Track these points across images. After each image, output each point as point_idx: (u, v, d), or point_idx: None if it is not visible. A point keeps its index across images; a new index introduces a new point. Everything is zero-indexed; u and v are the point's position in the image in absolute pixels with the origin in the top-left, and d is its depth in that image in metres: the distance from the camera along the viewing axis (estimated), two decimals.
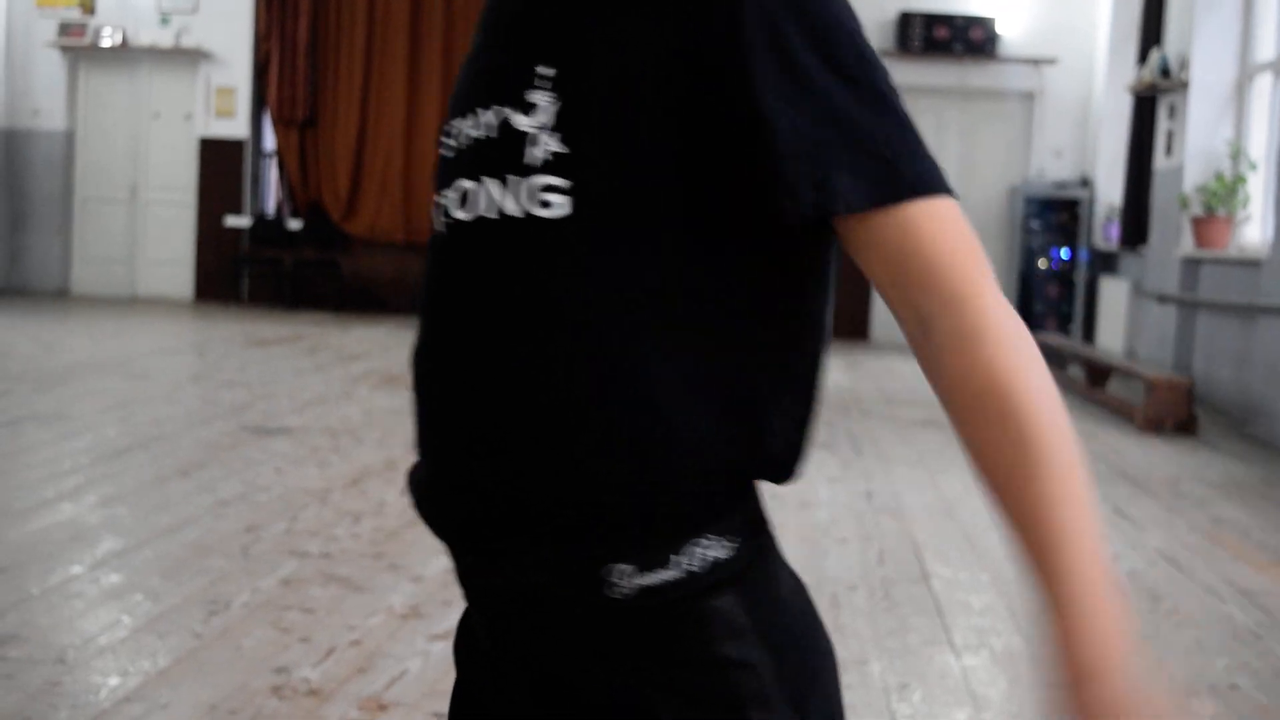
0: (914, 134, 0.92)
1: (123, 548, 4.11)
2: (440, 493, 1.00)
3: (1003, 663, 3.50)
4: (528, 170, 0.91)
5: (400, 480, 5.32)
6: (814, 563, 4.43)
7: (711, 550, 0.95)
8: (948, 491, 5.80)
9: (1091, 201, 13.31)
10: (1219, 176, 9.85)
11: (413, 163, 14.20)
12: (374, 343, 10.90)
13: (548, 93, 0.92)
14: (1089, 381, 9.82)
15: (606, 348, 0.90)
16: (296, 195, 14.34)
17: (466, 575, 1.03)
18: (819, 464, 6.34)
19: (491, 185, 0.93)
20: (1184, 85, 10.23)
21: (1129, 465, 6.83)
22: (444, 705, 2.76)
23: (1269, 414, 8.08)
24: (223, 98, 14.04)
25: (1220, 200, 9.76)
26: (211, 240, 14.15)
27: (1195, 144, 10.12)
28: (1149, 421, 8.09)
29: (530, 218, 0.91)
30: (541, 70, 0.92)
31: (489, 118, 0.95)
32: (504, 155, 0.92)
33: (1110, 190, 12.74)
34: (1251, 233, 9.57)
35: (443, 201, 1.00)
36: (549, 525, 0.93)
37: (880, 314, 14.12)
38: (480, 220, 0.94)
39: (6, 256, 13.99)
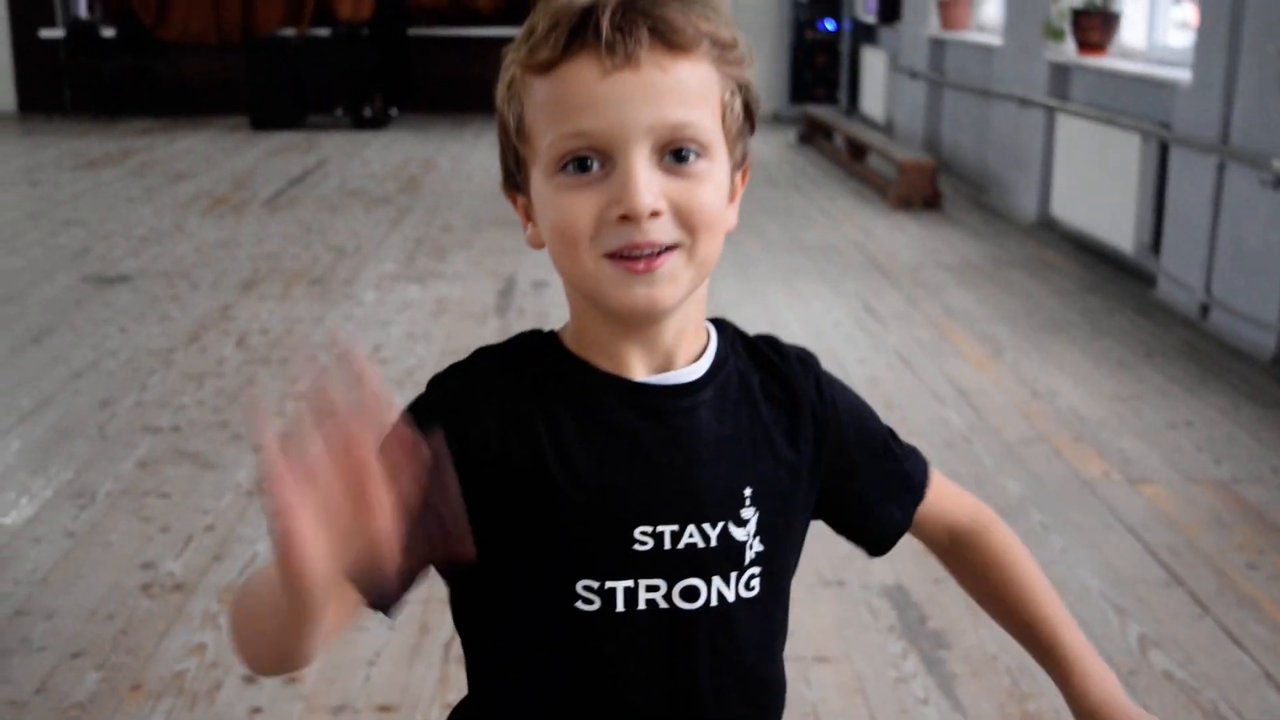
0: None
1: None
2: None
3: None
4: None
5: (235, 328, 5.50)
6: None
7: None
8: (721, 297, 6.14)
9: None
10: None
11: None
12: (198, 156, 10.77)
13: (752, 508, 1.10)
14: (850, 155, 10.21)
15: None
16: (108, 3, 13.85)
17: None
18: None
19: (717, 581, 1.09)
20: None
21: (878, 250, 7.27)
22: None
23: (1001, 186, 8.58)
24: None
25: None
26: (28, 52, 13.65)
27: None
28: (899, 199, 8.54)
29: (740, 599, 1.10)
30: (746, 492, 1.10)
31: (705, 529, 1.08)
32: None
33: None
34: (992, 12, 9.90)
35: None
36: None
37: None
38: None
39: None
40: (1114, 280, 6.52)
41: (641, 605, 1.05)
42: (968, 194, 9.06)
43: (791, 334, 5.45)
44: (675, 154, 1.00)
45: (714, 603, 1.07)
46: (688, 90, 1.00)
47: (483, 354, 1.12)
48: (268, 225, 7.88)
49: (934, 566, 3.35)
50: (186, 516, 3.65)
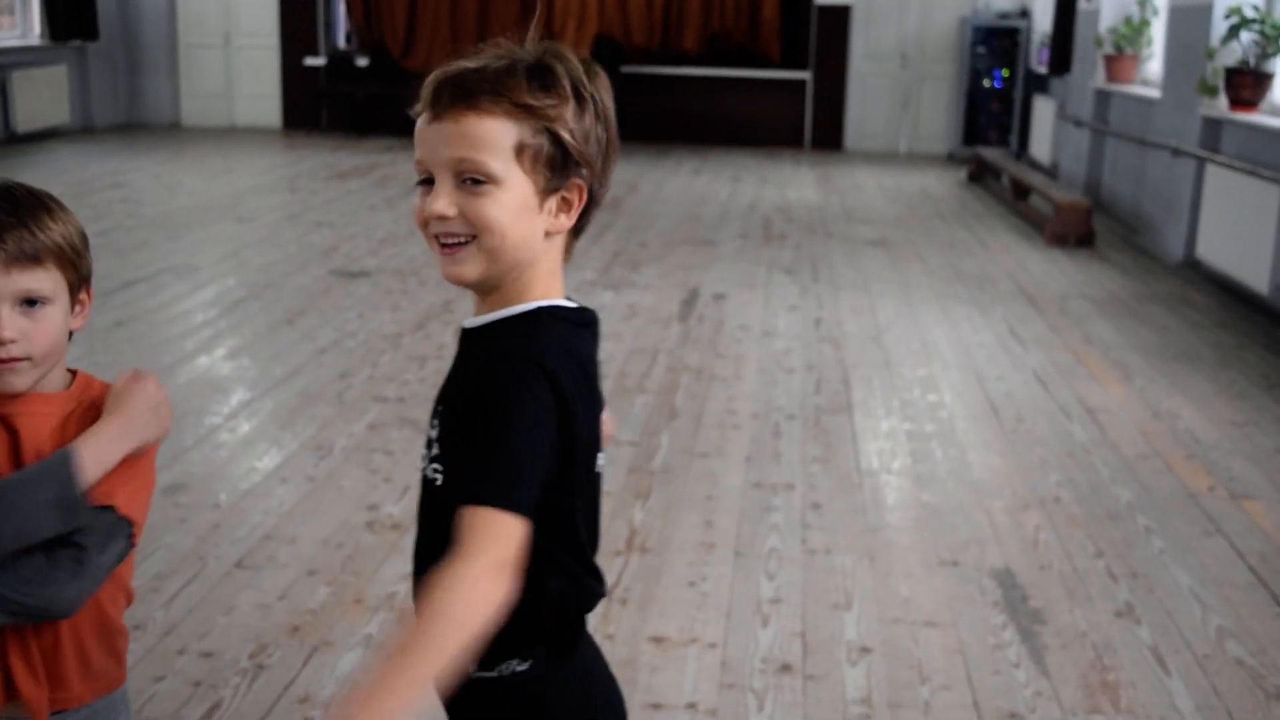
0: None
1: (250, 398, 4.71)
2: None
3: (897, 484, 4.09)
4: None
5: (454, 319, 5.88)
6: (765, 392, 4.99)
7: (514, 664, 1.42)
8: (881, 316, 6.33)
9: (1029, 30, 13.45)
10: (1128, 20, 10.06)
11: (459, 5, 14.44)
12: None
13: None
14: (1014, 194, 10.21)
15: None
16: (362, 37, 14.60)
17: None
18: (783, 291, 6.87)
19: None
20: None
21: (1029, 281, 7.32)
22: None
23: (1152, 228, 8.51)
24: None
25: (1128, 41, 9.98)
26: (294, 77, 14.49)
27: None
28: (1054, 237, 8.54)
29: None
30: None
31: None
32: None
33: (1044, 20, 12.84)
34: (1155, 68, 9.81)
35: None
36: None
37: (853, 125, 14.38)
38: None
39: (128, 96, 14.36)
40: (1248, 318, 6.47)
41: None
42: (1121, 234, 9.00)
43: (939, 351, 5.62)
44: (471, 179, 1.35)
45: (424, 472, 1.44)
46: (473, 137, 1.35)
47: None
48: None
49: (1041, 555, 3.51)
50: (405, 471, 4.00)
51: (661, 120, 14.33)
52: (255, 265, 7.08)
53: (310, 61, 14.39)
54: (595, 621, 3.03)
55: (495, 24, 14.38)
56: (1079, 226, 8.52)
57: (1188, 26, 8.10)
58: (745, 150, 13.66)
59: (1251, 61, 7.31)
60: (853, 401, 4.91)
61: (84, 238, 1.60)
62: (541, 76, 1.37)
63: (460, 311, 6.08)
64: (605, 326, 5.88)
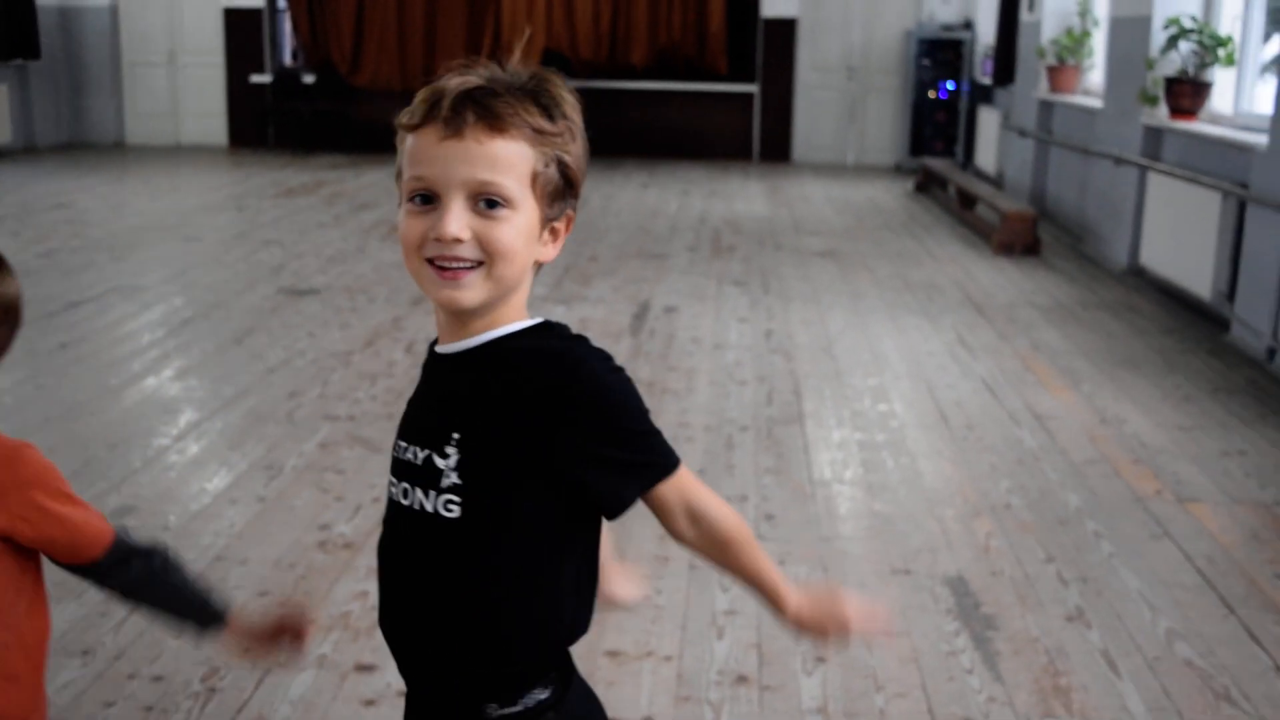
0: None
1: (198, 418, 4.67)
2: (405, 663, 1.47)
3: (849, 494, 4.11)
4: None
5: (404, 337, 5.86)
6: (717, 405, 5.01)
7: (538, 694, 1.43)
8: (831, 327, 6.36)
9: (973, 41, 13.60)
10: (1070, 31, 10.19)
11: (406, 21, 14.40)
12: (381, 189, 11.27)
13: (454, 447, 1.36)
14: (961, 204, 10.30)
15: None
16: (309, 54, 14.54)
17: (411, 702, 1.50)
18: (734, 303, 6.89)
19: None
20: None
21: (977, 290, 7.39)
22: None
23: (1096, 236, 8.62)
24: None
25: (1070, 52, 10.11)
26: (240, 95, 14.40)
27: (1051, 2, 10.41)
28: (1001, 245, 8.63)
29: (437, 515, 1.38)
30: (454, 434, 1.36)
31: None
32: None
33: (988, 32, 12.99)
34: (1096, 78, 9.94)
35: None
36: (465, 682, 1.41)
37: (800, 137, 14.46)
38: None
39: (71, 115, 14.20)
40: (1192, 324, 6.57)
41: (392, 494, 1.44)
42: (1066, 243, 9.11)
43: (889, 361, 5.66)
44: (488, 202, 1.31)
45: (416, 508, 1.38)
46: (496, 159, 1.31)
47: None
48: None
49: (993, 561, 3.53)
50: (357, 489, 3.98)
51: (610, 134, 14.33)
52: (203, 284, 7.02)
53: (256, 79, 14.31)
54: None
55: (443, 41, 14.37)
56: (1025, 235, 8.61)
57: (1128, 37, 8.22)
58: (694, 163, 13.71)
59: (1190, 71, 7.43)
60: (804, 412, 4.94)
61: (10, 304, 1.63)
62: (549, 100, 1.34)
63: (411, 329, 6.06)
64: None
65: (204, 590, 1.76)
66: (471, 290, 1.32)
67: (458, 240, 1.30)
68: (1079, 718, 2.76)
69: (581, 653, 2.93)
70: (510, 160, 1.31)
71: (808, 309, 6.78)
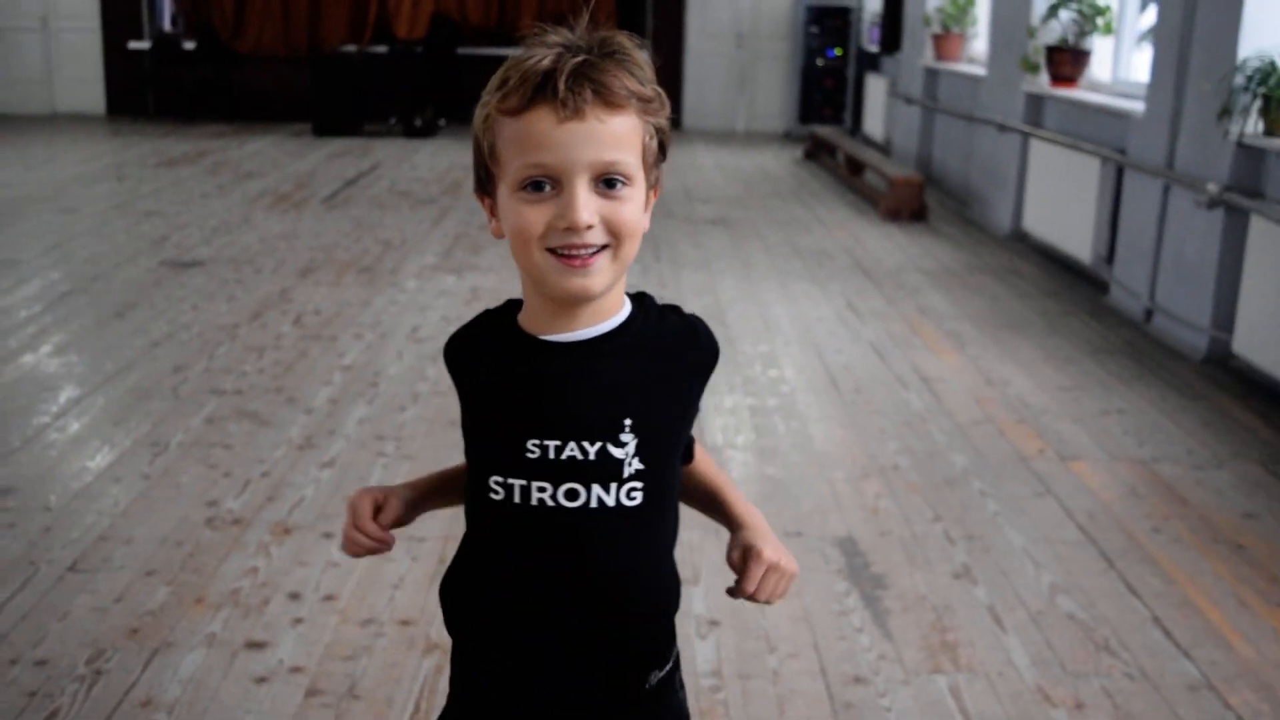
0: None
1: (79, 395, 4.55)
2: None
3: (741, 459, 4.14)
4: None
5: (292, 309, 5.77)
6: None
7: (674, 648, 1.44)
8: (722, 295, 6.40)
9: (860, 9, 13.72)
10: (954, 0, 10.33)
11: None
12: (265, 158, 11.06)
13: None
14: (849, 171, 10.41)
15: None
16: (189, 19, 14.17)
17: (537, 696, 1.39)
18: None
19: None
20: None
21: (865, 256, 7.49)
22: (333, 527, 3.32)
23: (981, 202, 8.78)
24: None
25: (954, 20, 10.25)
26: (117, 62, 14.02)
27: None
28: (889, 211, 8.75)
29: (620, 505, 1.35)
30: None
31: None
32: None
33: (875, 1, 13.12)
34: (980, 46, 10.09)
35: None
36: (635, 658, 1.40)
37: (690, 104, 14.48)
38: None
39: None
40: (1073, 287, 6.73)
41: (534, 501, 1.32)
42: (952, 208, 9.26)
43: (780, 327, 5.72)
44: (606, 182, 1.26)
45: (593, 504, 1.31)
46: (618, 136, 1.26)
47: (476, 319, 1.44)
48: (324, 220, 8.16)
49: (882, 522, 3.60)
50: (245, 465, 3.91)
51: None
52: (82, 257, 6.83)
53: (134, 45, 13.92)
54: None
55: (327, 5, 14.10)
56: (912, 201, 8.74)
57: (1010, 6, 8.36)
58: None
59: (1070, 39, 7.58)
60: None
61: None
62: (636, 70, 1.29)
63: (299, 300, 5.97)
64: (447, 310, 5.85)
65: None
66: (601, 275, 1.27)
67: (589, 226, 1.25)
68: (966, 671, 2.82)
69: None
70: (628, 136, 1.27)
71: (699, 276, 6.81)
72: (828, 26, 13.82)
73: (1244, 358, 5.03)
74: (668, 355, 1.36)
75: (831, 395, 4.79)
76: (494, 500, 1.34)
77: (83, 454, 3.98)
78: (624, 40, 1.30)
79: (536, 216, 1.25)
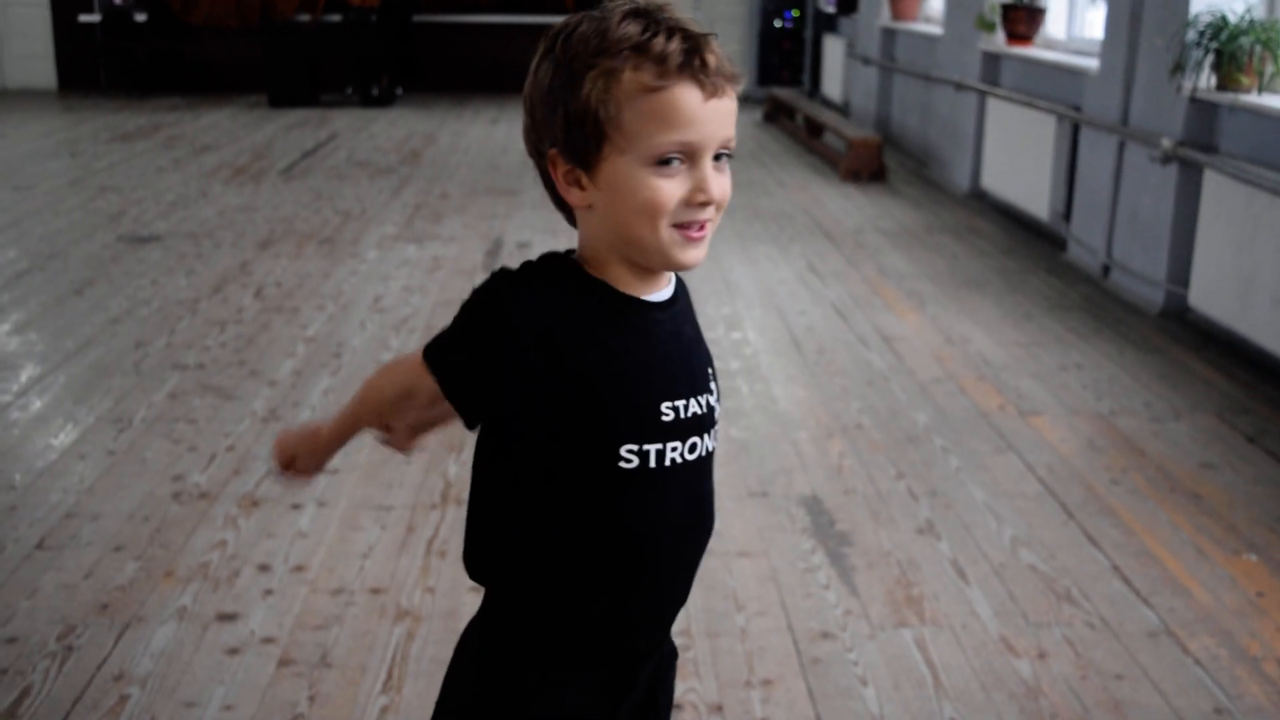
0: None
1: (40, 373, 4.52)
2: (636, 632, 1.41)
3: None
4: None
5: (252, 281, 5.75)
6: None
7: None
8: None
9: None
10: None
11: None
12: (221, 130, 10.96)
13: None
14: (808, 133, 10.43)
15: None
16: None
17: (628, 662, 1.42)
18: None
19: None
20: None
21: (826, 217, 7.52)
22: (300, 498, 3.33)
23: (939, 161, 8.82)
24: None
25: None
26: (68, 36, 13.82)
27: None
28: (848, 172, 8.77)
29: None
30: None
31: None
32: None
33: None
34: (936, 5, 10.11)
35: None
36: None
37: None
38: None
39: None
40: (1031, 244, 6.78)
41: (667, 462, 1.32)
42: (911, 168, 9.30)
43: (742, 289, 5.74)
44: (717, 156, 1.28)
45: (704, 454, 1.37)
46: (734, 113, 1.29)
47: (540, 263, 1.33)
48: (283, 192, 8.10)
49: (846, 480, 3.63)
50: (210, 438, 3.91)
51: (457, 69, 14.16)
52: (37, 235, 6.77)
53: (85, 18, 13.72)
54: (415, 575, 3.04)
55: None
56: (871, 162, 8.77)
57: None
58: None
59: None
60: None
61: None
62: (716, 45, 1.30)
63: (259, 274, 5.94)
64: (409, 280, 5.84)
65: None
66: (707, 245, 1.30)
67: (716, 202, 1.27)
68: (931, 625, 2.87)
69: (446, 589, 2.95)
70: (736, 112, 1.30)
71: None
72: None
73: (1200, 311, 5.10)
74: (690, 302, 1.43)
75: (794, 356, 4.83)
76: (624, 470, 1.30)
77: (46, 432, 3.96)
78: (668, 9, 1.31)
79: (673, 190, 1.25)
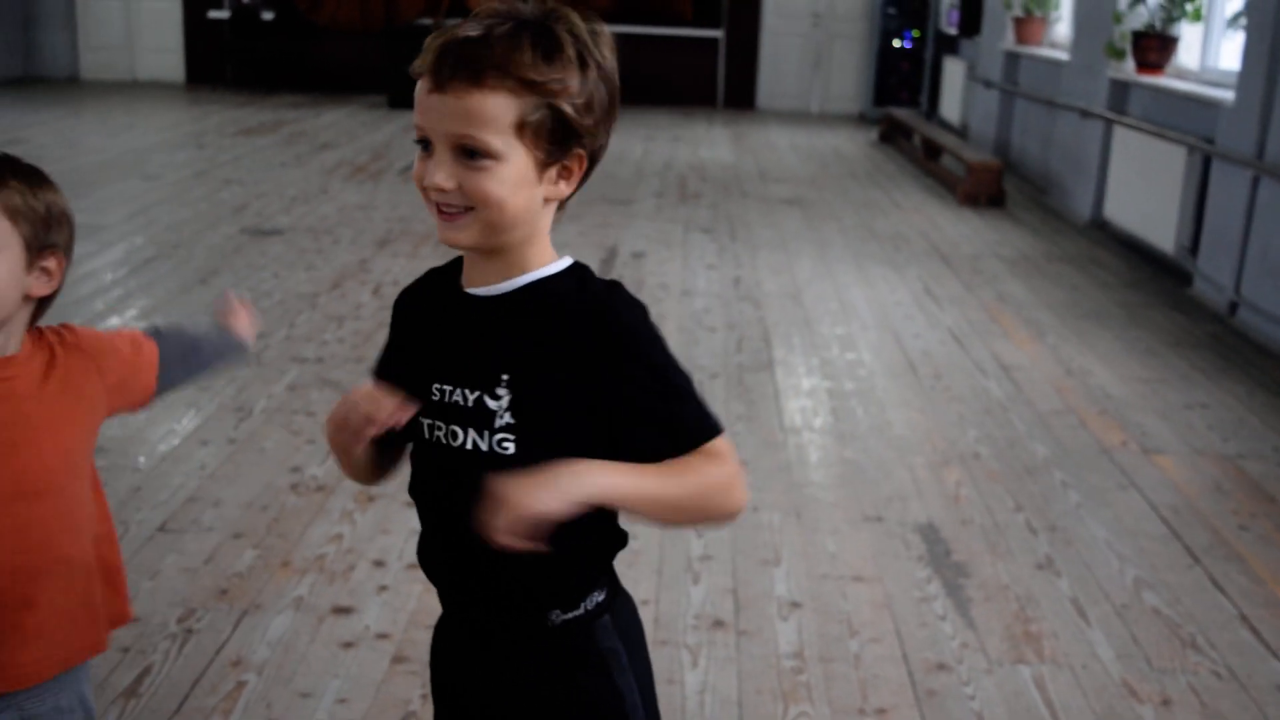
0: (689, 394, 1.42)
1: None
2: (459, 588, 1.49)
3: (820, 441, 4.13)
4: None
5: (371, 279, 5.82)
6: (687, 351, 5.01)
7: (596, 596, 1.46)
8: (799, 275, 6.37)
9: None
10: None
11: None
12: (341, 129, 11.14)
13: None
14: (926, 155, 10.32)
15: None
16: None
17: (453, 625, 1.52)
18: (701, 250, 6.88)
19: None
20: None
21: (942, 240, 7.42)
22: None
23: (1060, 189, 8.67)
24: None
25: (1036, 4, 10.11)
26: (197, 31, 14.17)
27: None
28: (966, 197, 8.66)
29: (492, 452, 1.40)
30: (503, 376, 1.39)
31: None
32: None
33: None
34: (1063, 30, 9.95)
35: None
36: (528, 595, 1.45)
37: (765, 84, 14.41)
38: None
39: (22, 50, 13.92)
40: (1155, 278, 6.63)
41: (431, 438, 1.43)
42: (1030, 194, 9.15)
43: (857, 310, 5.68)
44: (468, 153, 1.32)
45: (470, 448, 1.39)
46: (478, 112, 1.31)
47: (426, 274, 1.53)
48: (400, 193, 8.20)
49: (963, 510, 3.57)
50: None
51: None
52: (164, 223, 6.93)
53: (214, 15, 14.07)
54: None
55: None
56: (990, 186, 8.64)
57: None
58: (658, 109, 13.62)
59: (1157, 25, 7.45)
60: (774, 359, 4.95)
61: (59, 213, 1.60)
62: (546, 44, 1.32)
63: (377, 271, 6.02)
64: None
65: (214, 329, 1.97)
66: (466, 232, 1.35)
67: (441, 189, 1.34)
68: (1050, 664, 2.80)
69: None
70: (490, 114, 1.31)
71: (775, 256, 6.78)
72: (905, 8, 13.69)
73: None
74: (567, 324, 1.37)
75: (910, 380, 4.76)
76: (418, 434, 1.44)
77: (169, 417, 4.04)
78: (559, 14, 1.35)
79: (419, 170, 1.37)
